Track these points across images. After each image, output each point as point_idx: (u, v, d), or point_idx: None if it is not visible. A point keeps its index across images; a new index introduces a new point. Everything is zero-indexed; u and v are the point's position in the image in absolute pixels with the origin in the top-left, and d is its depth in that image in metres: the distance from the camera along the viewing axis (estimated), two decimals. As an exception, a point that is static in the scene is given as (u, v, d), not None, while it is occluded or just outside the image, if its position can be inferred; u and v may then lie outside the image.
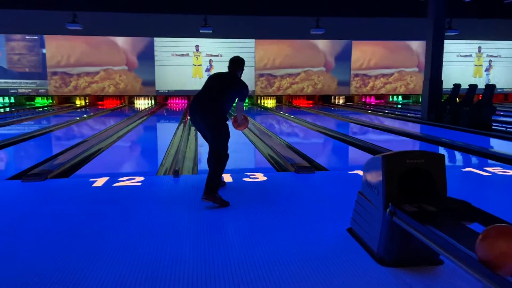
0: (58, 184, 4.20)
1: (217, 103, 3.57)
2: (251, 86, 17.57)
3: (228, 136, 3.63)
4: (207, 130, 3.60)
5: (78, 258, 2.39)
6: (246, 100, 18.10)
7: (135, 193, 3.83)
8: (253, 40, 17.18)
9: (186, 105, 17.00)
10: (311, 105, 17.20)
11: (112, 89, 16.74)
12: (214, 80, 3.78)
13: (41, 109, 14.54)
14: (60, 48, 16.16)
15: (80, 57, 16.30)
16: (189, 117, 3.85)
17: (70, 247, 2.56)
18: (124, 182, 4.20)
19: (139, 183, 4.16)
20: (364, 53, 17.99)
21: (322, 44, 17.57)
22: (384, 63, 18.21)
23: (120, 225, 2.98)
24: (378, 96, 18.74)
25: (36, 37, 16.00)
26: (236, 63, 3.83)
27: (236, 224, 3.00)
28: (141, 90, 16.90)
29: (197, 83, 17.16)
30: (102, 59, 16.47)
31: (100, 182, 4.19)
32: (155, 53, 16.70)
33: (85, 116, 12.39)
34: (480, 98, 9.49)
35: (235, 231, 2.87)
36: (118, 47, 16.55)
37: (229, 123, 3.69)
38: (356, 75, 18.14)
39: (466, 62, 18.48)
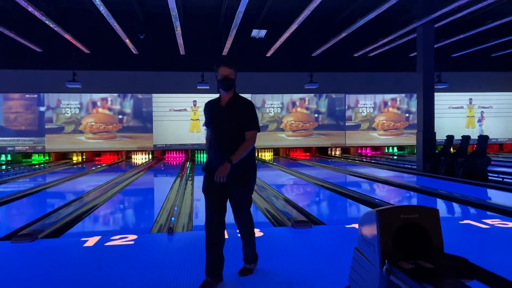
0: (48, 245, 4.08)
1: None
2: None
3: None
4: (236, 190, 2.87)
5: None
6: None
7: (127, 252, 3.72)
8: (249, 95, 17.57)
9: (183, 158, 17.05)
10: (308, 157, 17.27)
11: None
12: (223, 118, 2.98)
13: (37, 166, 14.52)
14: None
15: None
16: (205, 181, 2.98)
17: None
18: (116, 241, 4.10)
19: (132, 242, 4.05)
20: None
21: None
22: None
23: None
24: (374, 148, 18.89)
25: (35, 96, 16.35)
26: (235, 67, 2.99)
27: (230, 285, 2.89)
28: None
29: (195, 137, 17.33)
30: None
31: (91, 241, 4.08)
32: (153, 109, 17.00)
33: (81, 172, 12.35)
34: (475, 148, 9.57)
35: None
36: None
37: None
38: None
39: (459, 114, 18.83)
